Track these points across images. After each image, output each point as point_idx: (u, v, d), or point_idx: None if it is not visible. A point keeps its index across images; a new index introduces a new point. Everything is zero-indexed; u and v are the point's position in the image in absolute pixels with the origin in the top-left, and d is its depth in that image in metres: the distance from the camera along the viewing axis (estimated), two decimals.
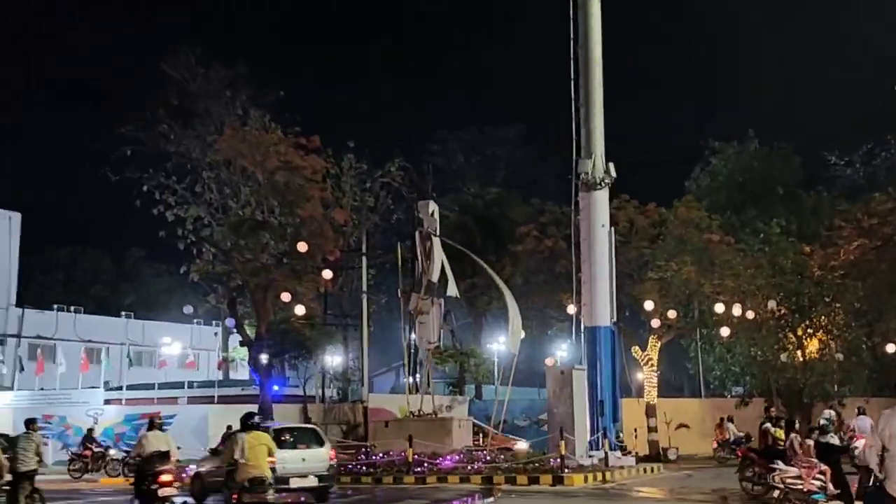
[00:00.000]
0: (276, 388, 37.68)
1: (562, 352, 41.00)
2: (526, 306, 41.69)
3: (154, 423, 17.18)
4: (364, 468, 27.11)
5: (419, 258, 29.36)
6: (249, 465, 13.71)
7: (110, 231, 77.45)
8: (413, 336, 29.94)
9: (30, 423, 18.09)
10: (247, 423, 14.56)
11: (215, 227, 36.98)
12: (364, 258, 37.48)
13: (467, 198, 48.20)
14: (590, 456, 27.52)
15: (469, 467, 26.18)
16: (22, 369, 43.75)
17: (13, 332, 54.07)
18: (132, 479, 17.31)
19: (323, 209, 34.98)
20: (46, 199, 76.80)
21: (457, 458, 26.68)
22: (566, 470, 25.08)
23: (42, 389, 43.40)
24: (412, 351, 30.19)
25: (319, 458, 20.56)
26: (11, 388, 43.00)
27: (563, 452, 25.29)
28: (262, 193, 35.45)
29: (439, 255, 29.01)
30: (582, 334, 29.92)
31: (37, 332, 53.86)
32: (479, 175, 57.19)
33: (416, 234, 29.83)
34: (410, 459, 26.53)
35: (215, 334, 53.49)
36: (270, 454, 14.33)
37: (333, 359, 41.28)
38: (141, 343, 55.69)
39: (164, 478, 16.02)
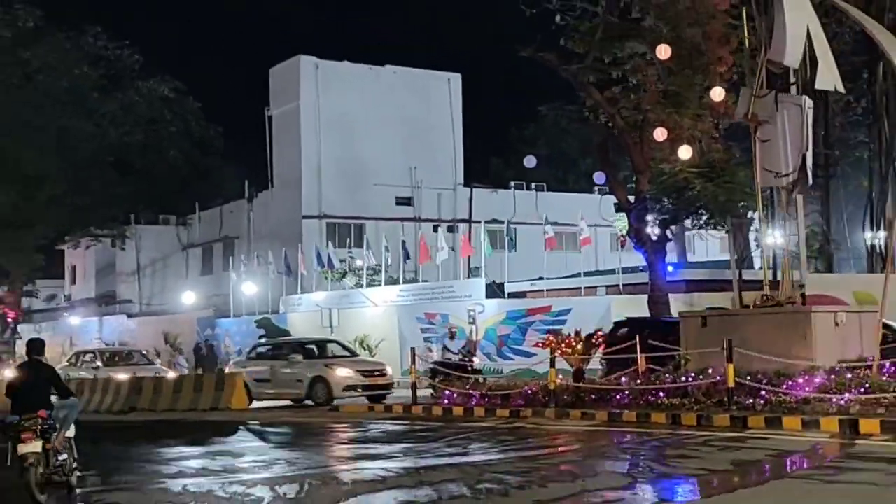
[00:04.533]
0: (669, 268, 28.74)
1: None
2: None
3: None
4: (661, 397, 17.54)
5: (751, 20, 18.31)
6: None
7: None
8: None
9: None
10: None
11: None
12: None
13: None
14: None
15: (835, 399, 15.47)
16: (407, 257, 39.14)
17: (462, 217, 50.28)
18: None
19: None
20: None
21: (819, 381, 15.99)
22: None
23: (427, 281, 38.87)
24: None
25: None
26: (397, 282, 38.74)
27: None
28: None
29: (797, 20, 17.49)
30: None
31: (492, 216, 49.20)
32: None
33: None
34: (731, 383, 16.45)
35: None
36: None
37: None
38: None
39: None
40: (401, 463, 14.14)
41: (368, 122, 49.47)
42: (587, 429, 17.22)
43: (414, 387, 22.90)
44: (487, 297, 34.30)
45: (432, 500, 10.95)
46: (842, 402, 15.33)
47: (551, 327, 30.56)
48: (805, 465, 12.37)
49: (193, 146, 60.17)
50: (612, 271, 35.18)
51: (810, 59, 18.03)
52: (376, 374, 26.05)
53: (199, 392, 26.51)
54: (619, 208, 29.34)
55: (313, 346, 28.84)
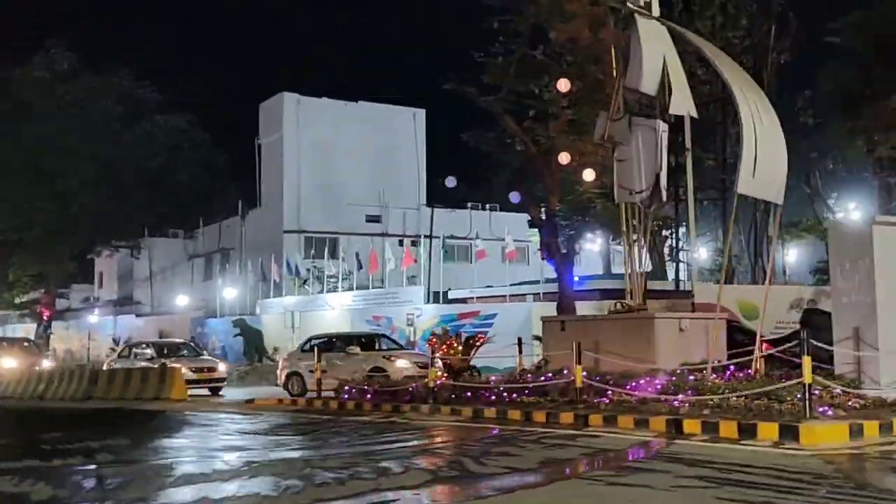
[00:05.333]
0: (576, 278, 27.23)
1: None
2: None
3: None
4: (523, 395, 16.02)
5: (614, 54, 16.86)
6: None
7: None
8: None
9: None
10: None
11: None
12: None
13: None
14: None
15: (670, 400, 13.96)
16: (360, 267, 37.78)
17: (425, 233, 48.73)
18: None
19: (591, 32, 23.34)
20: None
21: (659, 382, 14.47)
22: (814, 417, 11.94)
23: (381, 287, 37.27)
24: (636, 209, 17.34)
25: None
26: (352, 289, 37.37)
27: (808, 380, 12.10)
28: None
29: (654, 49, 16.03)
30: None
31: (450, 232, 47.84)
32: None
33: (604, 12, 17.24)
34: (579, 384, 14.93)
35: None
36: None
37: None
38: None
39: None
40: (249, 456, 12.60)
41: (343, 150, 48.48)
42: (450, 424, 15.67)
43: (319, 382, 21.30)
44: (426, 302, 32.95)
45: (225, 496, 9.45)
46: (675, 403, 13.81)
47: (479, 329, 29.19)
48: (605, 465, 10.82)
49: (204, 170, 59.09)
50: (537, 281, 33.81)
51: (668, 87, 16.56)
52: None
53: (146, 383, 25.04)
54: (532, 224, 27.91)
55: (364, 339, 26.13)
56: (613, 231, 26.43)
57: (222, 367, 27.44)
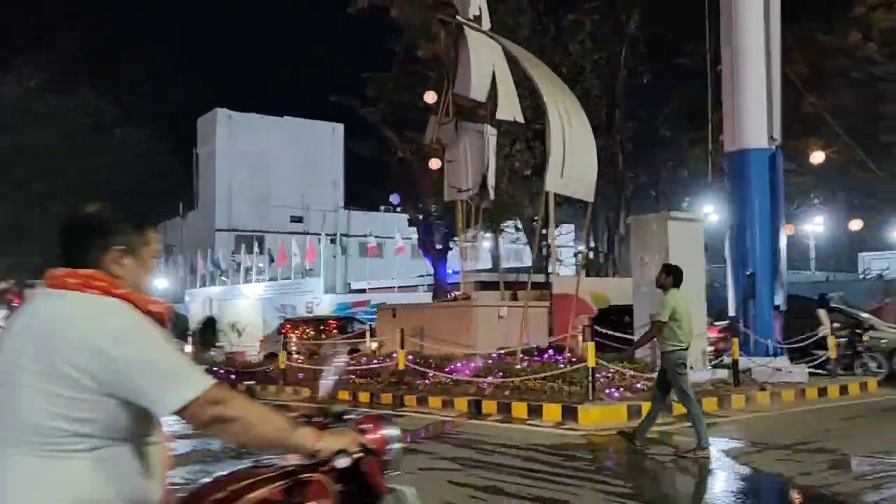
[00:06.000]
0: (450, 270, 25.96)
1: None
2: None
3: None
4: (357, 377, 14.65)
5: (447, 63, 15.65)
6: None
7: None
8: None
9: None
10: None
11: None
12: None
13: None
14: (721, 366, 12.65)
15: (480, 382, 12.73)
16: (272, 261, 36.22)
17: (342, 232, 47.16)
18: None
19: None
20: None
21: (474, 365, 13.23)
22: (599, 398, 10.81)
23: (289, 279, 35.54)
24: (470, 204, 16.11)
25: None
26: (263, 281, 35.79)
27: (591, 364, 10.94)
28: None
29: (482, 58, 14.79)
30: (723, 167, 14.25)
31: (366, 231, 46.31)
32: None
33: (439, 22, 16.05)
34: (401, 366, 13.63)
35: None
36: None
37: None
38: None
39: None
40: None
41: (270, 159, 46.77)
42: (285, 403, 14.29)
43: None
44: (324, 293, 31.50)
45: None
46: (483, 385, 12.60)
47: (371, 316, 27.89)
48: None
49: (159, 176, 56.97)
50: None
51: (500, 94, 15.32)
52: None
53: None
54: (411, 223, 26.60)
55: (338, 322, 22.35)
56: (491, 229, 25.26)
57: (187, 350, 24.98)
